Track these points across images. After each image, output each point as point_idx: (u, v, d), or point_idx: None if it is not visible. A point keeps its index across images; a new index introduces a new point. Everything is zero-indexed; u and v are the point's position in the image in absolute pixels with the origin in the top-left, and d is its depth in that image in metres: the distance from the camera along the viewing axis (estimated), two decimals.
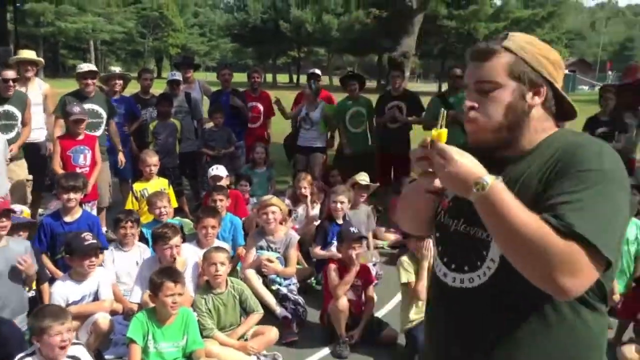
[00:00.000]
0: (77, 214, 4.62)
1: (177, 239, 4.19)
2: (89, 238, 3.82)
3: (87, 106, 5.81)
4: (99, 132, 5.97)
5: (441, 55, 43.55)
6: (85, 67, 6.17)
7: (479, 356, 1.50)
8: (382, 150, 7.14)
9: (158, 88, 8.32)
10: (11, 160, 5.36)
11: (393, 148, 7.00)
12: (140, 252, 4.54)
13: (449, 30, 38.96)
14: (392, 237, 6.32)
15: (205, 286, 4.02)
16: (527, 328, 1.43)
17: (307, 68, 8.70)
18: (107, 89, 6.82)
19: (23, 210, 4.21)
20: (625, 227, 1.35)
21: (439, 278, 1.61)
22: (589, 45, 77.17)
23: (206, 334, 3.78)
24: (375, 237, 6.18)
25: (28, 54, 6.16)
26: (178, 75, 7.62)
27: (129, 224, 4.53)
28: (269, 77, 53.30)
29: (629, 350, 3.86)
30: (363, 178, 5.77)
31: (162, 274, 3.50)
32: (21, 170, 5.61)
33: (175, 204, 5.66)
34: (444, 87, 7.30)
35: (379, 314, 4.52)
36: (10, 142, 5.35)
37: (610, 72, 54.95)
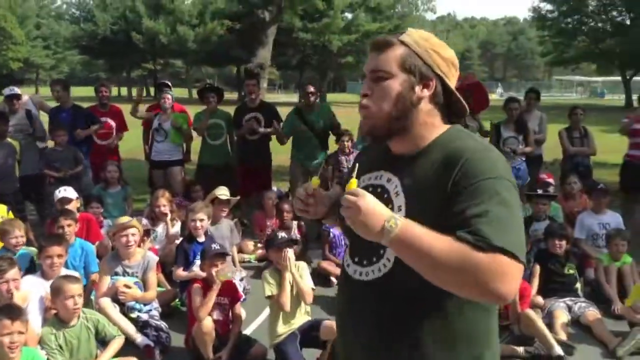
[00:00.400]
0: None
1: (14, 272, 3.76)
2: None
3: None
4: None
5: (299, 67, 44.45)
6: None
7: (378, 345, 1.55)
8: (243, 163, 7.04)
9: None
10: None
11: (254, 160, 6.94)
12: None
13: (304, 42, 39.80)
14: (259, 250, 6.22)
15: (54, 320, 3.67)
16: (416, 322, 1.49)
17: (164, 80, 8.43)
18: None
19: None
20: (522, 224, 1.42)
21: (345, 268, 1.67)
22: None
23: None
24: (240, 251, 6.07)
25: None
26: (15, 90, 6.97)
27: None
28: (124, 91, 51.07)
29: None
30: (223, 192, 5.61)
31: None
32: None
33: None
34: None
35: (248, 330, 4.41)
36: None
37: None
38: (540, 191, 5.84)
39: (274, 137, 7.12)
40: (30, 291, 3.94)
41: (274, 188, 7.28)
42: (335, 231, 5.63)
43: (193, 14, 43.69)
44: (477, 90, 7.82)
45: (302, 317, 3.92)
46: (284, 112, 7.45)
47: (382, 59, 1.53)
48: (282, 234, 4.10)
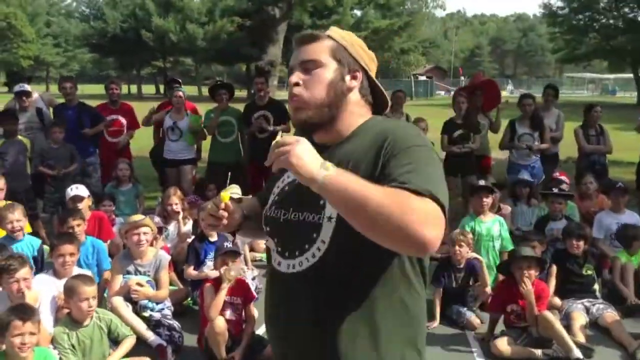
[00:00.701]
0: None
1: (25, 271, 3.69)
2: None
3: None
4: None
5: None
6: None
7: (313, 331, 1.55)
8: (254, 161, 7.00)
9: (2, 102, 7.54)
10: None
11: (264, 158, 6.86)
12: None
13: None
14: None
15: (67, 320, 3.65)
16: (351, 305, 1.50)
17: (174, 77, 8.39)
18: None
19: None
20: (444, 179, 1.48)
21: (274, 267, 1.65)
22: (442, 53, 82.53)
23: None
24: (253, 250, 6.02)
25: None
26: (25, 87, 6.95)
27: None
28: (134, 88, 51.22)
29: (502, 343, 4.03)
30: (235, 191, 5.55)
31: (8, 312, 3.09)
32: None
33: (29, 229, 5.10)
34: None
35: (261, 330, 4.35)
36: None
37: (462, 78, 59.15)
38: (556, 190, 5.74)
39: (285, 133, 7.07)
40: (42, 290, 3.91)
41: None
42: None
43: (202, 12, 43.64)
44: (488, 87, 7.76)
45: None
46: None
47: (312, 49, 1.59)
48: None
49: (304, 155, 1.36)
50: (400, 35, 43.40)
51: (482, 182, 5.59)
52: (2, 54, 51.33)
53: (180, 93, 7.04)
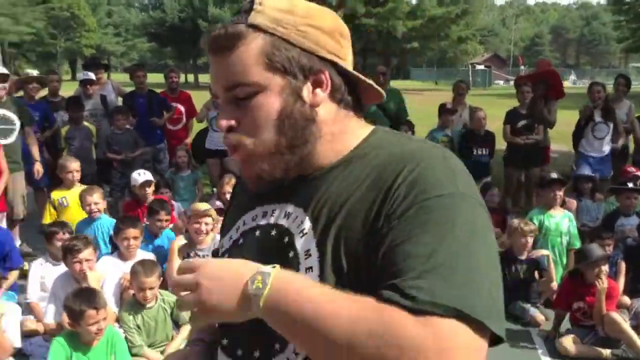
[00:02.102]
0: None
1: (88, 252, 3.83)
2: None
3: None
4: (10, 140, 5.47)
5: (362, 53, 44.09)
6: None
7: None
8: None
9: (71, 90, 7.79)
10: None
11: None
12: None
13: (368, 28, 39.45)
14: None
15: (133, 301, 3.75)
16: None
17: None
18: (23, 94, 6.29)
19: None
20: (497, 263, 0.89)
21: None
22: (501, 41, 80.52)
23: (135, 352, 3.54)
24: None
25: None
26: (89, 75, 7.16)
27: (60, 235, 4.24)
28: (190, 77, 52.12)
29: (568, 341, 3.91)
30: None
31: (79, 300, 3.16)
32: None
33: None
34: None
35: None
36: None
37: (522, 67, 57.54)
38: (630, 185, 5.48)
39: None
40: (107, 271, 4.02)
41: None
42: None
43: None
44: (551, 78, 7.45)
45: None
46: None
47: (235, 66, 0.95)
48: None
49: (218, 288, 0.87)
50: (457, 23, 42.58)
51: (554, 175, 5.40)
52: (65, 43, 53.24)
53: None
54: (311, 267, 0.93)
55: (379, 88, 1.06)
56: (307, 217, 0.97)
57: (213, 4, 43.94)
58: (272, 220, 1.02)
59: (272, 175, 0.99)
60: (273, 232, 1.01)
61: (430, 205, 0.86)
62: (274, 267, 0.87)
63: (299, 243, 0.96)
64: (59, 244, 4.16)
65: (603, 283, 3.86)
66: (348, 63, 1.01)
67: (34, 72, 6.77)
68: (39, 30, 49.93)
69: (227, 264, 0.92)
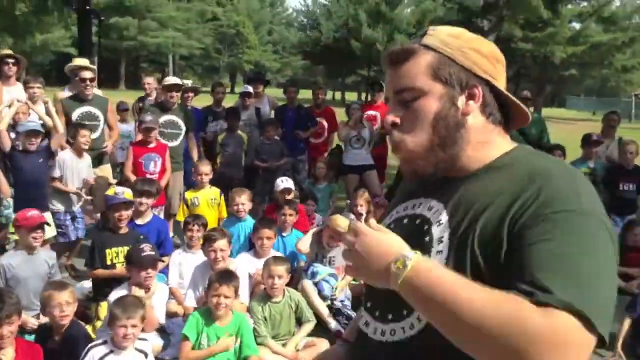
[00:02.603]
0: (147, 217, 4.86)
1: (222, 243, 4.28)
2: (147, 249, 3.96)
3: (167, 117, 6.11)
4: (176, 143, 6.20)
5: (515, 78, 42.58)
6: (171, 80, 6.38)
7: None
8: None
9: (231, 102, 8.59)
10: (99, 162, 5.82)
11: None
12: None
13: (523, 53, 38.08)
14: None
15: (263, 294, 4.12)
16: None
17: (378, 79, 8.83)
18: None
19: (124, 192, 4.52)
20: (614, 281, 1.02)
21: (361, 328, 1.30)
22: None
23: (260, 341, 3.87)
24: None
25: (81, 61, 6.44)
26: (249, 88, 7.86)
27: (196, 227, 4.75)
28: (338, 95, 53.68)
29: None
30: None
31: (215, 274, 3.68)
32: (104, 173, 5.98)
33: (225, 214, 5.81)
34: None
35: None
36: (94, 142, 5.73)
37: None
38: None
39: None
40: (241, 266, 4.45)
41: None
42: None
43: (411, 23, 44.33)
44: None
45: None
46: None
47: (406, 73, 1.18)
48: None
49: (370, 254, 1.07)
50: (623, 51, 39.79)
51: None
52: (228, 59, 57.39)
53: (356, 105, 7.57)
54: (441, 251, 1.14)
55: (526, 110, 1.26)
56: (445, 212, 1.18)
57: (367, 25, 45.03)
58: (418, 211, 1.26)
59: (425, 170, 1.20)
60: (417, 221, 1.24)
61: (557, 217, 1.00)
62: (416, 253, 1.04)
63: (435, 231, 1.17)
64: (190, 234, 4.71)
65: None
66: (501, 84, 1.21)
67: (188, 82, 7.50)
68: (207, 46, 54.46)
69: (381, 241, 1.08)
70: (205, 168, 5.80)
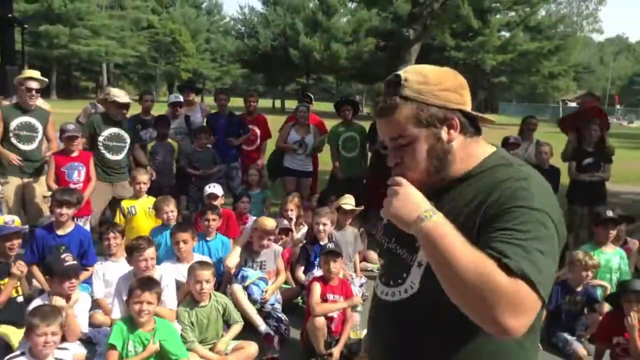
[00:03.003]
0: (69, 227, 4.78)
1: (151, 251, 4.24)
2: (68, 259, 3.90)
3: (115, 130, 6.04)
4: (121, 156, 6.13)
5: None
6: (123, 97, 6.12)
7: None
8: (375, 177, 7.26)
9: (162, 110, 8.50)
10: (37, 174, 5.79)
11: (385, 173, 7.09)
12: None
13: (457, 61, 39.33)
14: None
15: (190, 300, 4.12)
16: (440, 353, 1.47)
17: (315, 95, 8.97)
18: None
19: (14, 220, 4.40)
20: (555, 263, 1.33)
21: (375, 290, 1.69)
22: (597, 79, 77.42)
23: (187, 347, 3.86)
24: (365, 260, 6.27)
25: (32, 73, 6.30)
26: (179, 98, 7.82)
27: (112, 234, 4.70)
28: (278, 103, 53.76)
29: None
30: (347, 202, 5.82)
31: (136, 281, 3.66)
32: (40, 187, 5.87)
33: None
34: None
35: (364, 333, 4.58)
36: (30, 153, 5.70)
37: (618, 106, 55.01)
38: None
39: None
40: (165, 274, 4.38)
41: None
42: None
43: (347, 32, 45.00)
44: (598, 114, 7.25)
45: None
46: None
47: (395, 124, 1.48)
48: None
49: (407, 200, 1.38)
50: (550, 59, 41.68)
51: (609, 214, 5.40)
52: (165, 67, 56.52)
53: (303, 109, 7.55)
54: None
55: (486, 118, 1.59)
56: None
57: (305, 33, 45.40)
58: None
59: (426, 187, 1.48)
60: None
61: (517, 210, 1.33)
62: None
63: None
64: (107, 242, 4.68)
65: (632, 320, 3.86)
66: (468, 105, 1.52)
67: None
68: (142, 54, 53.47)
69: (418, 195, 1.41)
70: (144, 177, 5.76)
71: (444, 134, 1.46)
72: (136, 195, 5.77)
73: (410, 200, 1.38)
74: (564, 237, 1.39)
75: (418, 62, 11.12)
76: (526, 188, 1.36)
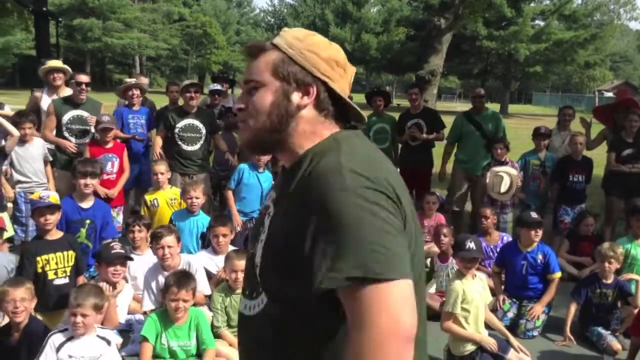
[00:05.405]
0: (91, 200, 4.84)
1: (169, 239, 4.22)
2: (116, 247, 3.99)
3: (190, 121, 6.04)
4: (196, 147, 6.07)
5: (481, 75, 43.28)
6: (188, 81, 6.11)
7: None
8: (404, 166, 7.20)
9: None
10: None
11: (414, 164, 7.06)
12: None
13: (489, 51, 38.70)
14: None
15: (226, 286, 4.15)
16: None
17: None
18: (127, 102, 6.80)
19: (50, 195, 4.35)
20: (400, 237, 1.16)
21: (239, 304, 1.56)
22: (635, 68, 75.45)
23: (215, 330, 3.93)
24: None
25: (55, 63, 6.32)
26: (218, 86, 7.82)
27: (137, 227, 4.71)
28: None
29: None
30: None
31: (172, 277, 3.68)
32: None
33: None
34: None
35: None
36: (83, 146, 5.74)
37: None
38: None
39: (438, 142, 7.24)
40: (199, 262, 4.47)
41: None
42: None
43: (378, 22, 44.71)
44: (633, 105, 7.06)
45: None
46: (448, 120, 7.48)
47: (254, 67, 1.37)
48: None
49: None
50: (585, 48, 40.70)
51: None
52: (196, 59, 57.04)
53: None
54: (262, 240, 1.34)
55: (359, 111, 1.42)
56: (272, 204, 1.39)
57: (335, 24, 45.27)
58: (268, 202, 1.44)
59: (253, 144, 1.41)
60: (265, 210, 1.43)
61: (325, 206, 1.15)
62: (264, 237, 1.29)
63: (266, 220, 1.37)
64: (132, 235, 4.71)
65: None
66: (339, 85, 1.37)
67: (132, 80, 7.23)
68: (174, 46, 54.03)
69: None
70: (161, 167, 5.61)
71: (295, 95, 1.34)
72: (156, 187, 5.67)
73: None
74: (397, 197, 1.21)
75: (449, 51, 11.00)
76: (334, 171, 1.20)
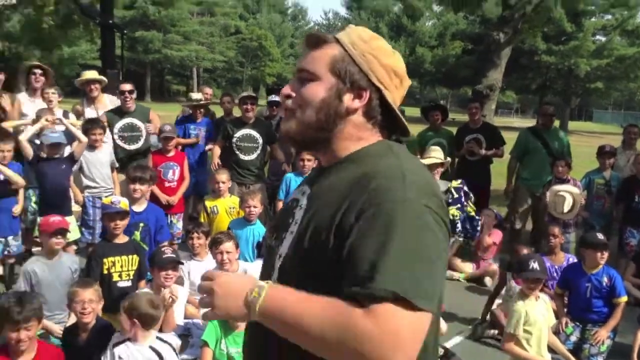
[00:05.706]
0: (144, 204, 4.95)
1: (228, 245, 4.24)
2: (168, 252, 4.05)
3: (247, 131, 6.20)
4: (253, 156, 6.23)
5: (539, 91, 42.31)
6: (245, 93, 6.33)
7: None
8: None
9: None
10: None
11: (472, 180, 6.92)
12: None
13: (548, 66, 37.83)
14: (468, 269, 6.26)
15: None
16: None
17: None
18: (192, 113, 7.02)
19: (120, 201, 4.49)
20: (443, 267, 1.14)
21: None
22: None
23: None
24: (450, 268, 6.14)
25: (90, 74, 6.51)
26: (277, 98, 7.91)
27: (196, 234, 4.79)
28: None
29: None
30: (431, 156, 5.64)
31: None
32: None
33: None
34: None
35: (449, 343, 4.50)
36: (135, 152, 5.96)
37: None
38: None
39: (496, 159, 7.10)
40: (253, 269, 4.42)
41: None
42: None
43: (433, 36, 44.45)
44: None
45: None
46: (507, 135, 7.34)
47: (312, 57, 1.31)
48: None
49: (227, 292, 1.18)
50: None
51: None
52: (251, 71, 57.96)
53: None
54: (292, 232, 1.30)
55: (406, 125, 1.38)
56: (306, 196, 1.34)
57: (389, 37, 45.20)
58: (297, 195, 1.40)
59: (295, 136, 1.34)
60: (293, 203, 1.38)
61: (382, 210, 1.12)
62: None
63: (298, 213, 1.32)
64: (191, 242, 4.78)
65: None
66: (392, 95, 1.33)
67: (198, 96, 7.38)
68: (230, 59, 55.11)
69: (236, 278, 1.23)
70: (222, 176, 5.72)
71: (347, 96, 1.28)
72: (217, 195, 5.76)
73: (230, 291, 1.18)
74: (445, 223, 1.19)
75: (508, 66, 10.82)
76: (400, 178, 1.17)
